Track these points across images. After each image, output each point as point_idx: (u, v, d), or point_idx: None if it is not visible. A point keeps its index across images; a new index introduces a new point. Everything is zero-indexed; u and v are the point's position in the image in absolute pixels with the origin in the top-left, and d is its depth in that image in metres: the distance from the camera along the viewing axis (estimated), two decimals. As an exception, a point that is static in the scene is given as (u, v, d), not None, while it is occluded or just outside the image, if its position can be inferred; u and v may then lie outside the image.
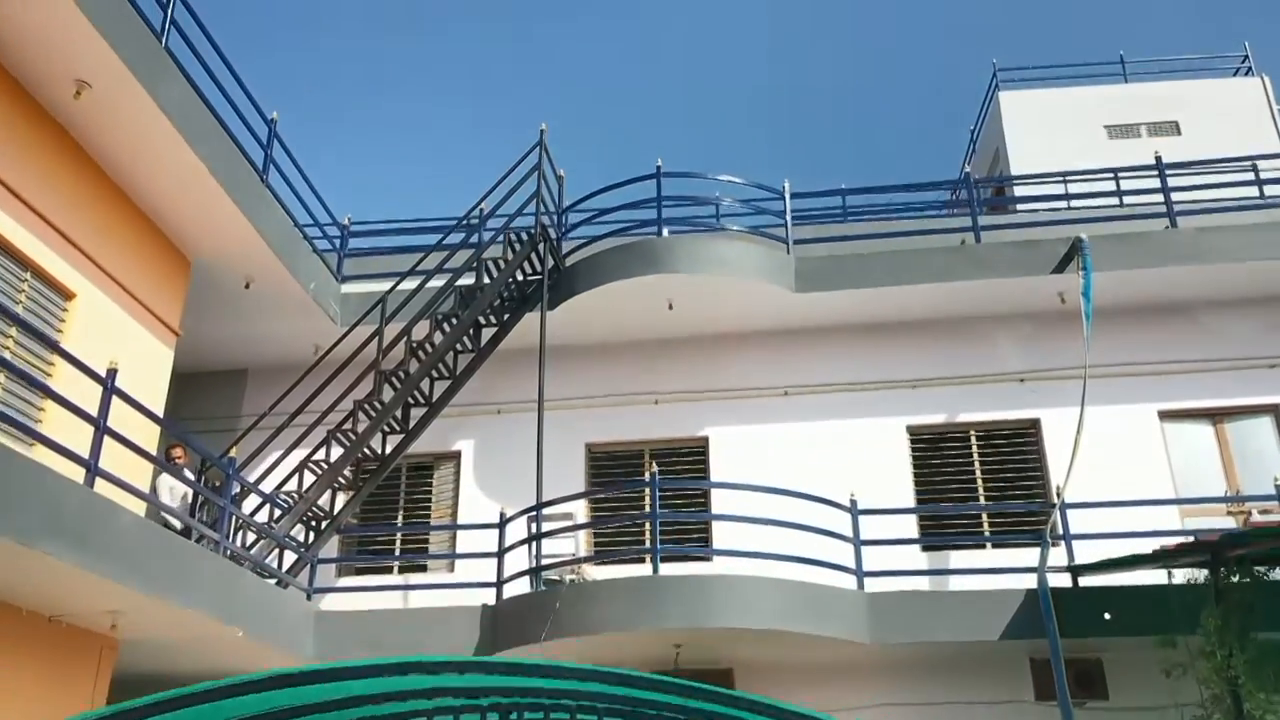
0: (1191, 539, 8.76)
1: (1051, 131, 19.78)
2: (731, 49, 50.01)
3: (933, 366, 11.85)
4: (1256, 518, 10.65)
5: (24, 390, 8.16)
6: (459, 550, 11.61)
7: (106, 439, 7.23)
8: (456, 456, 12.34)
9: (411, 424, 11.21)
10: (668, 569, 10.01)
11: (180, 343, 10.54)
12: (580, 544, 11.65)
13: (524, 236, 11.37)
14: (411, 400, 11.06)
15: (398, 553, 12.10)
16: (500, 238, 11.46)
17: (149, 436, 9.28)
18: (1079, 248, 10.88)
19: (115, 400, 7.38)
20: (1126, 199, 12.33)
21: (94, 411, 7.20)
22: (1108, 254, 11.07)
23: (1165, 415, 11.37)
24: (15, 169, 8.15)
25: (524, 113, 50.82)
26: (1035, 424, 11.51)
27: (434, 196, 48.85)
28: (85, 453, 7.06)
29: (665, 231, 11.50)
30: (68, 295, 8.78)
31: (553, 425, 11.40)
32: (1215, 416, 11.36)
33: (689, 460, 12.03)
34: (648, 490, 10.92)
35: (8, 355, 8.02)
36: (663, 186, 11.72)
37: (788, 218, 11.82)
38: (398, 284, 11.40)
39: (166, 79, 8.63)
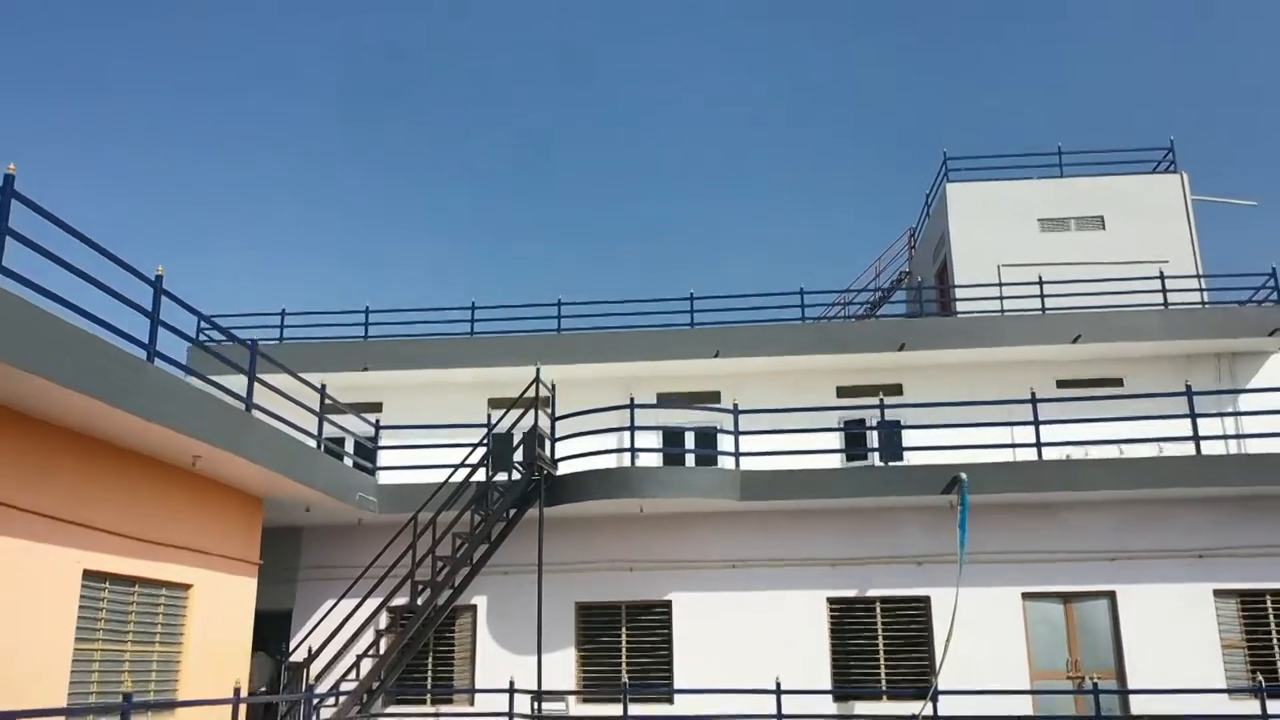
0: None
1: (990, 223, 22.18)
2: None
3: (849, 549, 14.95)
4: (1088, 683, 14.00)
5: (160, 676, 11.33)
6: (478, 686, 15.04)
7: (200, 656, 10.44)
8: (474, 609, 15.55)
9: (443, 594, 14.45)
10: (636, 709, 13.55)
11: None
12: (574, 687, 15.02)
13: (523, 467, 14.29)
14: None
15: (429, 699, 15.48)
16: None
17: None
18: (958, 484, 13.83)
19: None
20: (1007, 441, 15.09)
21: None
22: (988, 479, 14.04)
23: (1027, 596, 14.56)
24: (157, 520, 11.06)
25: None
26: (926, 600, 14.71)
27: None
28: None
29: (638, 456, 14.41)
30: (187, 587, 11.81)
31: (548, 586, 14.66)
32: (1066, 598, 14.55)
33: (657, 617, 15.26)
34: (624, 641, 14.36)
35: (154, 658, 11.15)
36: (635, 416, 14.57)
37: (737, 441, 14.70)
38: (423, 506, 14.38)
39: (251, 439, 11.41)
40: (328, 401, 14.84)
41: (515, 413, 14.49)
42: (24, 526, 9.13)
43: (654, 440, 17.85)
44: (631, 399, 14.84)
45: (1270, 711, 12.46)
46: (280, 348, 19.72)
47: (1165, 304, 19.74)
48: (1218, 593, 14.22)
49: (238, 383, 12.42)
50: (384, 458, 16.17)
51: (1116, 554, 14.48)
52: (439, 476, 14.85)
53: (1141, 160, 22.81)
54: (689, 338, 19.39)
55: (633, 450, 14.41)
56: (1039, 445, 14.39)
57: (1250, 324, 18.77)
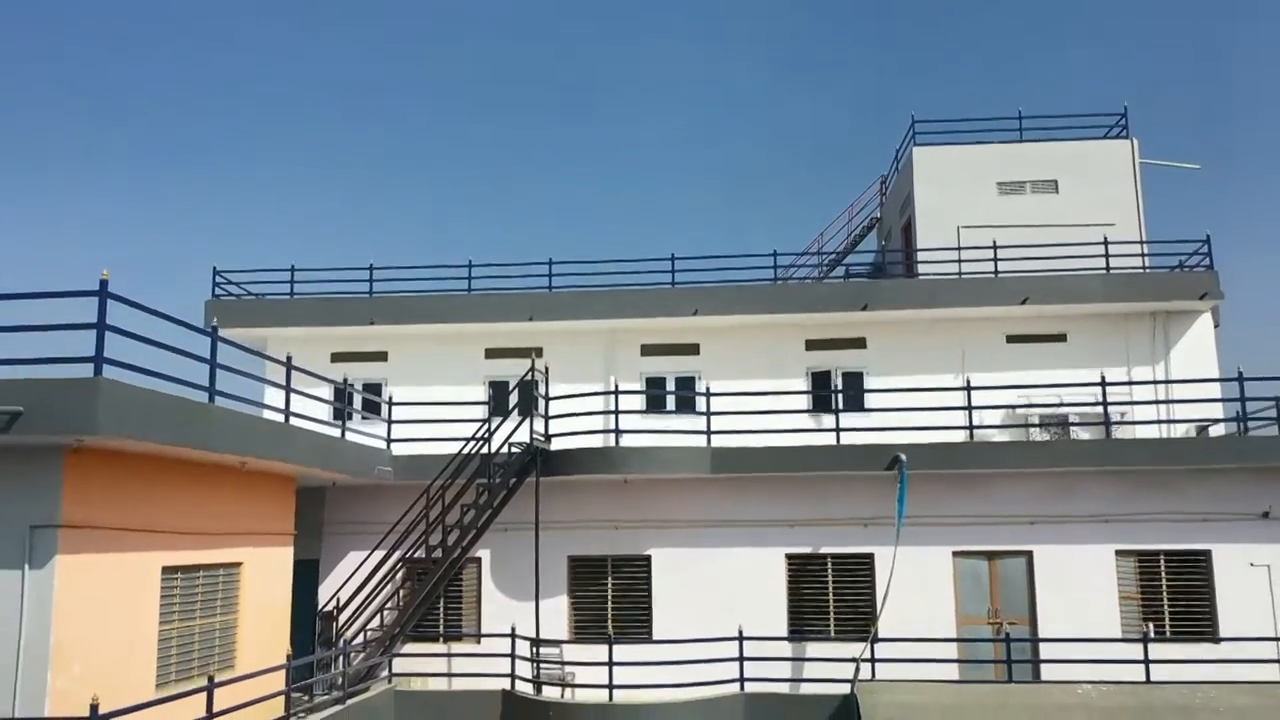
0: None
1: (952, 185, 23.66)
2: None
3: (805, 512, 17.19)
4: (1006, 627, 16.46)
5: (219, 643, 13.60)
6: (483, 631, 17.42)
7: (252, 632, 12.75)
8: (479, 560, 17.85)
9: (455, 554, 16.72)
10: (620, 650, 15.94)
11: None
12: (566, 630, 17.43)
13: (521, 446, 16.35)
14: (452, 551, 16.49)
15: (441, 638, 17.86)
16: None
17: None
18: (898, 463, 15.95)
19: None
20: (937, 423, 17.13)
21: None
22: (925, 457, 16.17)
23: (956, 554, 16.89)
24: (214, 514, 13.12)
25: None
26: (871, 556, 17.02)
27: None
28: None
29: (622, 436, 16.48)
30: (239, 565, 13.98)
31: (544, 541, 16.94)
32: (990, 556, 16.88)
33: (638, 568, 17.58)
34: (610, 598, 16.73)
35: (216, 628, 13.39)
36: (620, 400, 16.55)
37: (709, 421, 16.74)
38: (435, 480, 16.46)
39: (289, 444, 13.41)
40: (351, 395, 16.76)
41: (514, 403, 16.45)
42: (116, 541, 11.18)
43: (639, 409, 19.84)
44: (616, 385, 16.80)
45: (1154, 656, 14.91)
46: (291, 302, 21.49)
47: (1107, 268, 21.52)
48: (1119, 553, 16.58)
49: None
50: (397, 429, 18.15)
51: (1034, 519, 16.75)
52: (447, 444, 16.92)
53: (1096, 126, 24.19)
54: (670, 296, 21.13)
55: (617, 431, 16.45)
56: (970, 429, 16.49)
57: (1183, 288, 20.56)
